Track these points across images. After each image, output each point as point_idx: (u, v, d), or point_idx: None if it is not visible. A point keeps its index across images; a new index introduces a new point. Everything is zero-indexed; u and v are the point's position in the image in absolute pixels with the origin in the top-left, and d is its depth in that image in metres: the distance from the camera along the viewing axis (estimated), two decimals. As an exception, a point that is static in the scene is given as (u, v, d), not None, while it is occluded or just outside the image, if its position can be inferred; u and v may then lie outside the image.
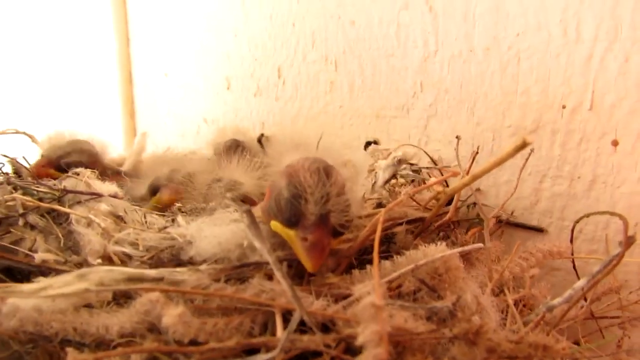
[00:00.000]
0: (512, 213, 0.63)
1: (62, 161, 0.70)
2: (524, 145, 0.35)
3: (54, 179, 0.70)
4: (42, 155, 0.71)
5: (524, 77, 0.63)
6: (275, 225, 0.39)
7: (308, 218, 0.37)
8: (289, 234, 0.38)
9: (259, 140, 0.95)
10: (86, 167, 0.69)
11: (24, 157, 0.69)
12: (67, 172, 0.68)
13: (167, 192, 0.57)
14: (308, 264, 0.36)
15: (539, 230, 0.63)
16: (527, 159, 0.58)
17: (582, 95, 0.59)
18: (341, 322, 0.36)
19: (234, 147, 0.86)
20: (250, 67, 0.95)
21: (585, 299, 0.52)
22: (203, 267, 0.36)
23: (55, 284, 0.34)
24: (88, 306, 0.38)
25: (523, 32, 0.62)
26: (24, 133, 0.75)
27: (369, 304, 0.31)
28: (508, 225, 0.64)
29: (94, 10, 1.22)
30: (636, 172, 0.56)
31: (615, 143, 0.57)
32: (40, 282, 0.35)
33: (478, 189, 0.67)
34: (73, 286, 0.34)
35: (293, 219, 0.38)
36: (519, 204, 0.64)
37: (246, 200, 0.54)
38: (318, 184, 0.37)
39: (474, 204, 0.63)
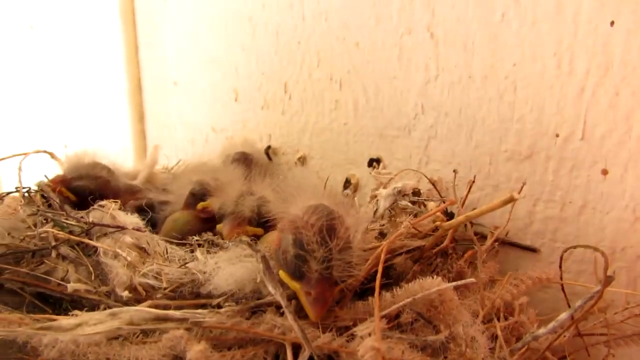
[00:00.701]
0: (507, 234, 0.67)
1: (73, 183, 0.74)
2: (511, 199, 0.39)
3: (65, 196, 0.74)
4: (63, 171, 0.76)
5: (520, 105, 0.66)
6: (283, 274, 0.43)
7: (311, 276, 0.41)
8: (294, 285, 0.42)
9: (266, 152, 0.99)
10: (93, 192, 0.73)
11: (45, 176, 0.74)
12: (76, 193, 0.73)
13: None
14: (311, 314, 0.41)
15: (532, 250, 0.67)
16: (521, 187, 0.61)
17: (574, 125, 0.62)
18: (345, 355, 0.41)
19: (242, 160, 0.90)
20: (257, 81, 0.98)
21: (572, 317, 0.56)
22: (222, 309, 0.40)
23: (90, 321, 0.39)
24: (119, 336, 0.42)
25: (519, 62, 0.65)
26: (44, 151, 0.79)
27: (370, 346, 0.35)
28: (503, 244, 0.68)
29: (103, 18, 1.24)
30: (624, 200, 0.60)
31: (604, 172, 0.60)
32: (76, 318, 0.40)
33: (474, 209, 0.70)
34: (106, 324, 0.38)
35: (297, 274, 0.41)
36: (513, 225, 0.67)
37: (270, 222, 0.58)
38: (322, 245, 0.41)
39: (472, 223, 0.67)
